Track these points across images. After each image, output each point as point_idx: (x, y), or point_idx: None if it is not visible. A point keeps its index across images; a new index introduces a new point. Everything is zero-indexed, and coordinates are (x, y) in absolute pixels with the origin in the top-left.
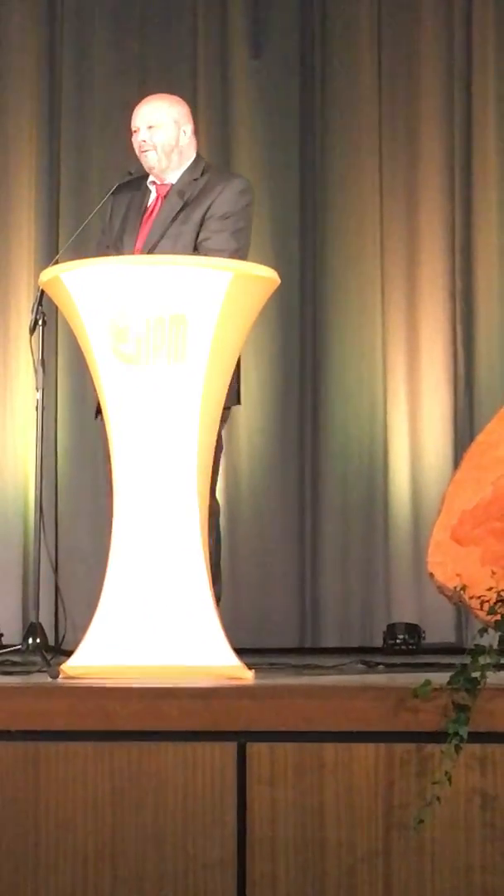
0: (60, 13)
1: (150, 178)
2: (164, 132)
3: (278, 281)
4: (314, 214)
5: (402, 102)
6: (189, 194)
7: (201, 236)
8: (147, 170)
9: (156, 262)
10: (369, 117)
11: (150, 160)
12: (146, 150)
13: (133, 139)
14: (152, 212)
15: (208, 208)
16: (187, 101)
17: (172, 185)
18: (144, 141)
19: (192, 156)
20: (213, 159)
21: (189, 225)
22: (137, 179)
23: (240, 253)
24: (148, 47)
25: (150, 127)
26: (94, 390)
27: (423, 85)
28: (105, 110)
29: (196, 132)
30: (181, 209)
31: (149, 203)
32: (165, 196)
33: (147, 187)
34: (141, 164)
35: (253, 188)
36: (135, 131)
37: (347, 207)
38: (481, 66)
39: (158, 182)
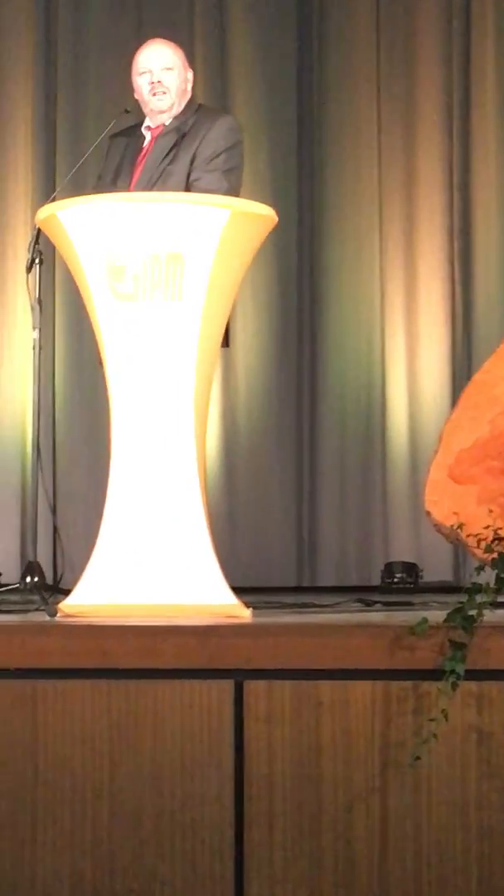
0: None
1: (145, 124)
2: (176, 75)
3: (276, 219)
4: (312, 155)
5: (400, 39)
6: (179, 134)
7: (192, 176)
8: (154, 112)
9: (153, 200)
10: (367, 51)
11: (164, 103)
12: (160, 93)
13: (140, 80)
14: (146, 154)
15: (197, 147)
16: (184, 39)
17: (165, 125)
18: (160, 82)
19: (189, 96)
20: (210, 98)
21: (179, 164)
22: (132, 127)
23: (232, 192)
24: None
25: (166, 69)
26: (94, 332)
27: (421, 22)
28: (102, 47)
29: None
30: (171, 149)
31: (143, 146)
32: (157, 137)
33: (142, 133)
34: (136, 104)
35: (241, 126)
36: (144, 72)
37: (346, 146)
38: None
39: (153, 125)
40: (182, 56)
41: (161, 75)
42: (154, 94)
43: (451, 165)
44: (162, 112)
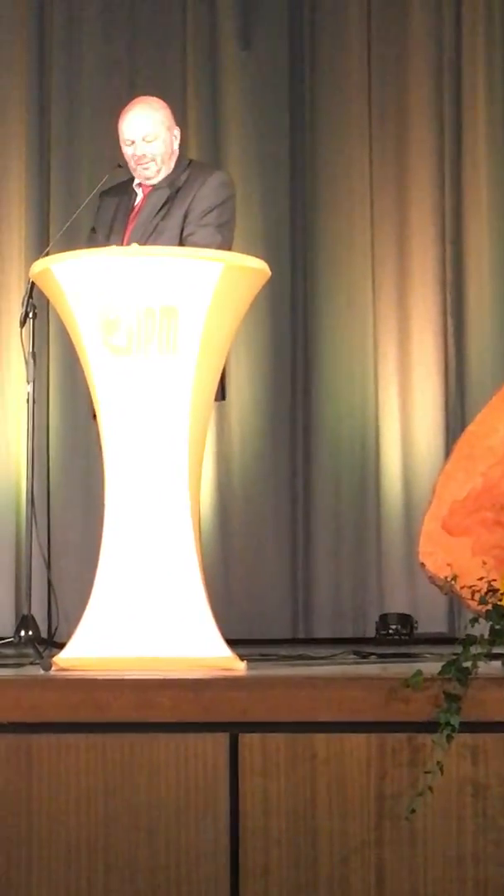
0: (50, 6)
1: (137, 181)
2: (161, 143)
3: (269, 273)
4: (304, 207)
5: (392, 93)
6: (172, 190)
7: (186, 231)
8: (142, 180)
9: (146, 254)
10: (359, 108)
11: (150, 172)
12: (146, 163)
13: (126, 149)
14: (138, 211)
15: (190, 203)
16: (177, 93)
17: (157, 184)
18: (144, 155)
19: (177, 154)
20: (203, 153)
21: (172, 220)
22: (124, 182)
23: (224, 246)
24: (137, 40)
25: (147, 141)
26: (87, 386)
27: (413, 75)
28: (95, 103)
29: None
30: (163, 204)
31: (135, 204)
32: (149, 194)
33: (133, 190)
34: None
35: (233, 181)
36: (129, 143)
37: (338, 200)
38: (470, 56)
39: (144, 184)
40: (165, 116)
41: (144, 148)
42: (139, 165)
43: (444, 217)
44: (149, 179)
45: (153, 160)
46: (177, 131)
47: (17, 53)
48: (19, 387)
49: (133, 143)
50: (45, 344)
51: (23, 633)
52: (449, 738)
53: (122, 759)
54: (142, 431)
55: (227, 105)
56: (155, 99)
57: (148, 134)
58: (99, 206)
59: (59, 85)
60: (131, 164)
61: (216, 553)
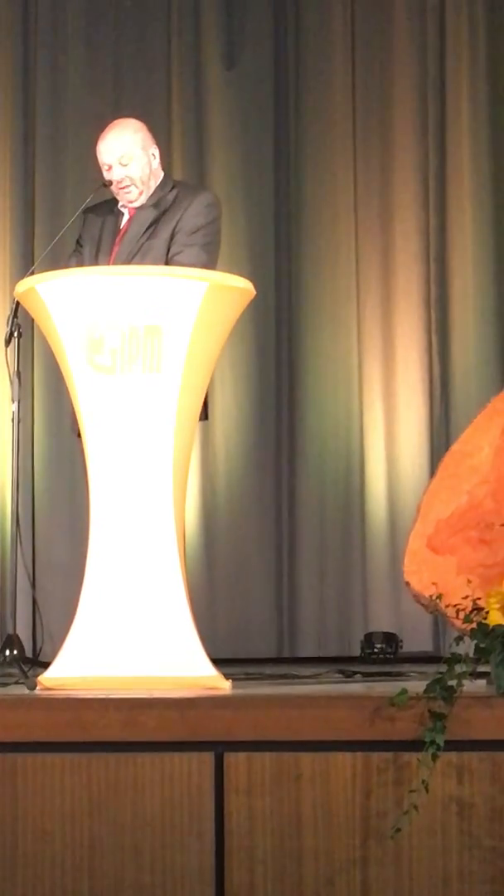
0: (34, 27)
1: (122, 202)
2: (137, 164)
3: (253, 292)
4: (289, 226)
5: (376, 112)
6: (158, 210)
7: (172, 251)
8: (126, 204)
9: (131, 273)
10: (343, 128)
11: (131, 195)
12: (126, 188)
13: (105, 174)
14: (124, 232)
15: (177, 223)
16: (162, 113)
17: (142, 205)
18: (122, 178)
19: (161, 174)
20: (188, 171)
21: (159, 240)
22: (109, 202)
23: (209, 266)
24: (122, 60)
25: (123, 164)
26: (72, 405)
27: (397, 95)
28: (79, 123)
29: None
30: (150, 224)
31: (121, 226)
32: (135, 214)
33: (119, 210)
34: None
35: (220, 202)
36: (107, 168)
37: (322, 218)
38: (454, 75)
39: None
40: (142, 136)
41: (122, 171)
42: (120, 189)
43: (428, 236)
44: (132, 202)
45: (133, 184)
46: (154, 150)
47: (1, 74)
48: (4, 405)
49: (110, 167)
50: (30, 363)
51: (7, 652)
52: (434, 756)
53: (107, 778)
54: (126, 450)
55: (213, 124)
56: (129, 120)
57: (123, 156)
58: (84, 221)
59: (43, 105)
60: (114, 189)
61: (201, 572)
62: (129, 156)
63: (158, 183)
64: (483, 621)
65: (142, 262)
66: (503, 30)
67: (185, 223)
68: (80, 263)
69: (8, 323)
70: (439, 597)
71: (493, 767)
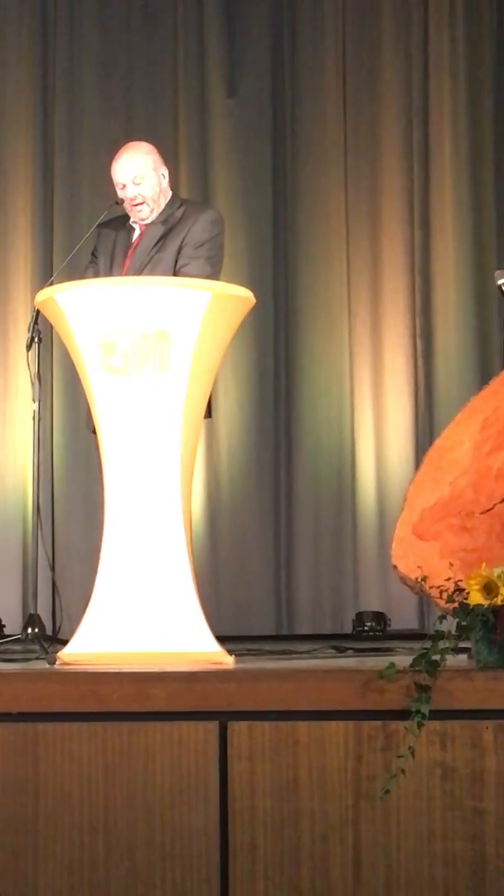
0: (53, 59)
1: (133, 219)
2: (149, 184)
3: (253, 300)
4: (286, 240)
5: (365, 138)
6: (167, 226)
7: (179, 263)
8: (138, 220)
9: (141, 283)
10: (335, 151)
11: (143, 213)
12: (138, 204)
13: (119, 192)
14: (136, 245)
15: (184, 238)
16: (169, 137)
17: (152, 222)
18: (136, 196)
19: (170, 193)
20: (194, 190)
21: (168, 253)
22: (121, 217)
23: (213, 277)
24: (133, 88)
25: (136, 183)
26: (87, 404)
27: (384, 122)
28: (94, 145)
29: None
30: (159, 239)
31: (133, 240)
32: (146, 229)
33: (131, 226)
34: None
35: (223, 218)
36: (121, 187)
37: (316, 233)
38: (437, 105)
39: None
40: (153, 158)
41: (135, 190)
42: (133, 206)
43: (413, 250)
44: (144, 219)
45: (144, 202)
46: (164, 171)
47: (24, 101)
48: (26, 405)
49: (124, 186)
50: (49, 366)
51: (30, 630)
52: (420, 724)
53: (120, 745)
54: (137, 445)
55: (216, 147)
56: (142, 143)
57: (136, 176)
58: (98, 236)
59: (60, 129)
60: (127, 207)
61: (206, 557)
62: (141, 175)
63: (167, 201)
64: (464, 601)
65: (151, 273)
66: (481, 65)
67: (192, 238)
68: (96, 274)
69: (29, 329)
70: (424, 579)
71: (473, 734)
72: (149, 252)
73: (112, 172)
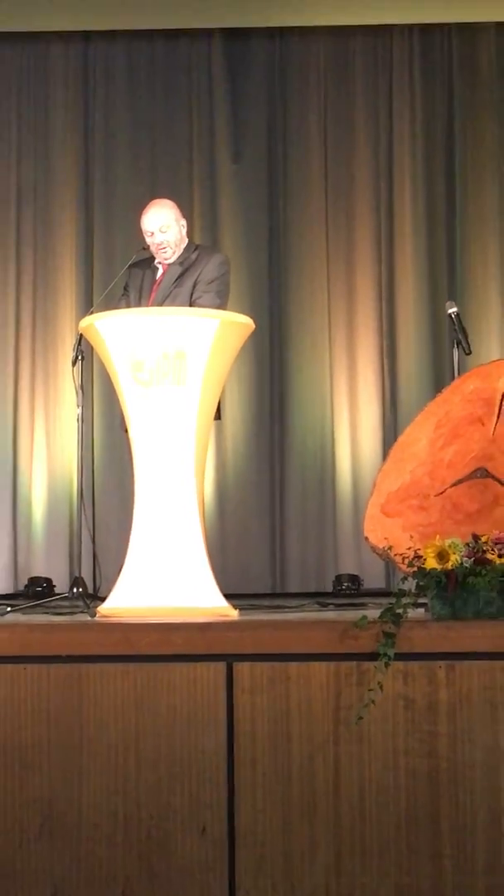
0: (92, 134)
1: (157, 260)
2: (172, 232)
3: (253, 326)
4: (279, 279)
5: (342, 193)
6: (184, 267)
7: (194, 296)
8: (162, 261)
9: (164, 313)
10: (318, 205)
11: (167, 255)
12: (164, 248)
13: (147, 238)
14: (159, 282)
15: (198, 276)
16: (186, 196)
17: (172, 262)
18: (161, 242)
19: (187, 240)
20: (206, 235)
21: (184, 288)
22: (147, 259)
23: (222, 307)
24: (156, 157)
25: (162, 231)
26: (121, 409)
27: (358, 182)
28: (125, 202)
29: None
30: (178, 276)
31: (157, 277)
32: (167, 270)
33: (155, 266)
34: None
35: (229, 260)
36: (149, 234)
37: (303, 271)
38: (399, 168)
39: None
40: (175, 212)
41: (161, 237)
42: (159, 250)
43: (380, 284)
44: (166, 260)
45: (168, 246)
46: (183, 222)
47: (69, 167)
48: (71, 410)
49: (152, 233)
50: (91, 379)
51: (75, 589)
52: (386, 664)
53: (147, 682)
54: (160, 442)
55: (223, 203)
56: (166, 200)
57: (163, 225)
58: (129, 274)
59: (98, 190)
60: (153, 250)
61: (215, 530)
62: (166, 225)
63: (185, 246)
64: (422, 566)
65: (172, 304)
66: (434, 139)
67: (204, 276)
68: (128, 305)
69: (74, 349)
70: (390, 548)
71: (429, 672)
72: (170, 287)
73: (142, 222)
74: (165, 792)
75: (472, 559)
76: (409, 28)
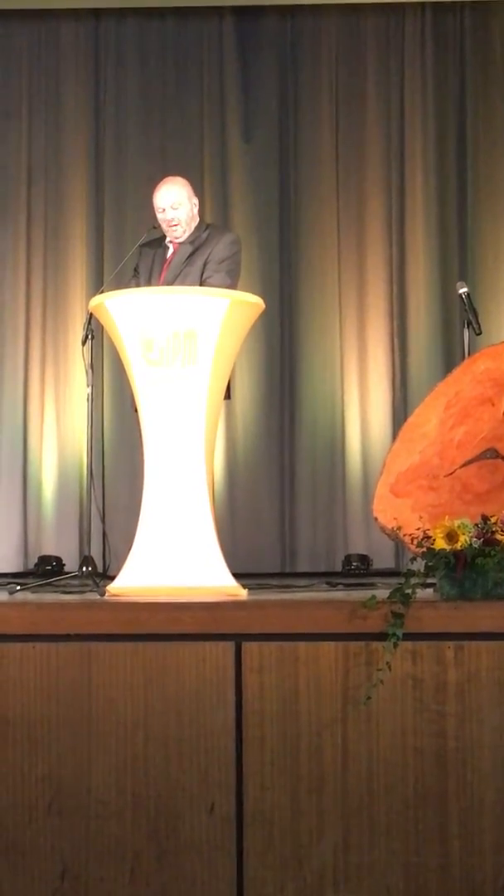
0: (103, 113)
1: (168, 238)
2: (184, 209)
3: (263, 306)
4: (289, 257)
5: (353, 173)
6: (195, 246)
7: (204, 275)
8: (173, 239)
9: (174, 292)
10: (329, 184)
11: (178, 233)
12: (175, 225)
13: (159, 215)
14: (170, 261)
15: (209, 255)
16: (197, 175)
17: (183, 241)
18: (172, 218)
19: (198, 218)
20: (216, 214)
21: (195, 267)
22: (158, 239)
23: (232, 286)
24: (167, 137)
25: (174, 208)
26: (131, 388)
27: (369, 160)
28: (136, 181)
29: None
30: (189, 255)
31: (167, 256)
32: (178, 248)
33: (166, 245)
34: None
35: (240, 240)
36: (161, 210)
37: (314, 251)
38: (411, 146)
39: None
40: (188, 189)
41: (172, 213)
42: (170, 227)
43: (391, 265)
44: (177, 238)
45: (179, 223)
46: (195, 200)
47: (81, 147)
48: (81, 388)
49: (164, 210)
50: (101, 358)
51: (84, 568)
52: (395, 644)
53: (156, 660)
54: (170, 422)
55: (234, 182)
56: (179, 178)
57: (174, 202)
58: (140, 253)
59: (110, 168)
60: (164, 227)
61: (225, 510)
62: (178, 202)
63: (196, 224)
64: (431, 546)
65: (182, 283)
66: (447, 117)
67: (215, 255)
68: (138, 284)
69: (84, 328)
70: (399, 528)
71: (437, 652)
72: (180, 266)
73: (154, 198)
74: (174, 770)
75: (482, 540)
76: (422, 5)
